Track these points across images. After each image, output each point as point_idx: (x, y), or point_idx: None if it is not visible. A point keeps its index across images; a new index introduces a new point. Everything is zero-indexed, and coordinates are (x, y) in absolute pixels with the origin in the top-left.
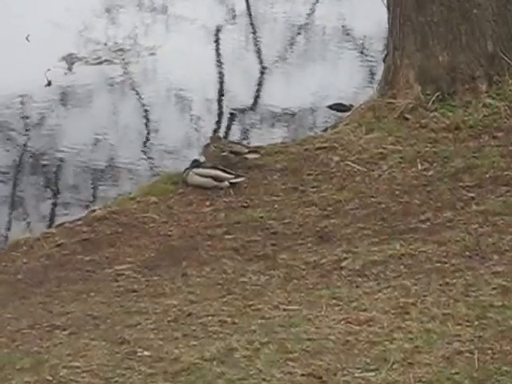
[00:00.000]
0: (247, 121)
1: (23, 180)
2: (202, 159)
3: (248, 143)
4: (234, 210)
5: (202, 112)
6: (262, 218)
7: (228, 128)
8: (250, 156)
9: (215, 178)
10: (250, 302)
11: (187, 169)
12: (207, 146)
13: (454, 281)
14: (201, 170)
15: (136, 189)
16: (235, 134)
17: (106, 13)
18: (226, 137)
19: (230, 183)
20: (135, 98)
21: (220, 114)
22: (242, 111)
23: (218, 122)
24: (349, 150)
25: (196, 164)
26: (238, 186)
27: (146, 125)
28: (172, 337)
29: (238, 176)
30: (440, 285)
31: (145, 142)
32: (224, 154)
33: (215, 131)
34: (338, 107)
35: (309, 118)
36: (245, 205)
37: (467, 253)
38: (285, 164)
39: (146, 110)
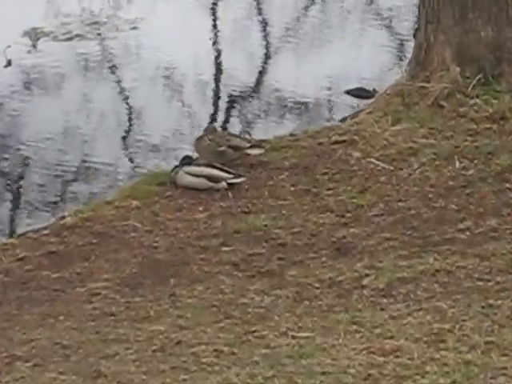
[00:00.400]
0: (249, 109)
1: None
2: (195, 155)
3: (250, 136)
4: (233, 216)
5: (195, 98)
6: (266, 226)
7: (226, 117)
8: (252, 151)
9: (210, 178)
10: (252, 328)
11: (176, 167)
12: (201, 138)
13: (499, 302)
14: (193, 169)
15: (114, 191)
16: (235, 125)
17: None
18: (223, 128)
19: (228, 184)
20: (113, 80)
21: (216, 101)
22: (244, 97)
23: (215, 110)
24: (372, 145)
25: (187, 161)
26: (238, 188)
27: (127, 113)
28: (157, 370)
29: (237, 175)
30: (482, 307)
31: (125, 135)
32: (221, 148)
33: (211, 121)
34: (359, 93)
35: (324, 105)
36: (246, 210)
37: None
38: (294, 161)
39: (126, 96)
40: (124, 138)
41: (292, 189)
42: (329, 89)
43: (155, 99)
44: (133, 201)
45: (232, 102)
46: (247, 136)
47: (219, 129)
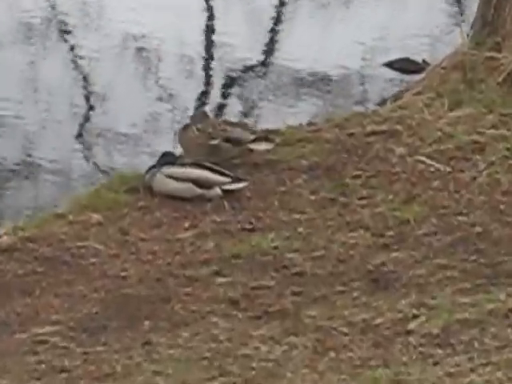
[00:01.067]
0: (253, 88)
1: None
2: (178, 151)
3: (254, 125)
4: (231, 235)
5: (179, 74)
6: (276, 248)
7: (223, 100)
8: (257, 146)
9: (199, 183)
10: None
11: (153, 167)
12: (186, 128)
13: None
14: (175, 170)
15: (67, 200)
16: (233, 110)
17: None
18: (218, 114)
19: (224, 191)
20: (66, 49)
21: (208, 78)
22: (246, 72)
23: (206, 91)
24: (421, 137)
25: (168, 160)
26: (238, 197)
27: (85, 94)
28: None
29: (236, 179)
30: None
31: (82, 123)
32: (214, 142)
33: (200, 105)
34: (404, 65)
35: (354, 83)
36: (248, 227)
37: None
38: (315, 159)
39: (83, 71)
40: (81, 127)
41: (312, 198)
42: (361, 60)
43: (123, 75)
44: (93, 214)
45: (230, 79)
46: (250, 125)
47: (212, 115)
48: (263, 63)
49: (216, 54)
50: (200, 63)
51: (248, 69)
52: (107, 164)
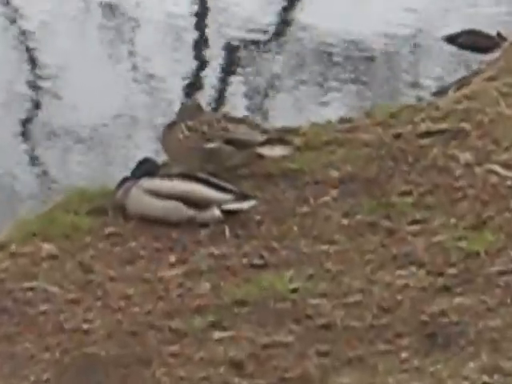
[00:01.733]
0: (264, 70)
1: None
2: (162, 158)
3: (265, 122)
4: (234, 273)
5: (162, 48)
6: (296, 291)
7: (222, 86)
8: (269, 151)
9: (190, 201)
10: None
11: (126, 180)
12: (173, 126)
13: None
14: (158, 184)
15: (9, 224)
16: (237, 101)
17: None
18: (215, 107)
19: (225, 212)
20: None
21: (201, 56)
22: (253, 47)
23: (198, 74)
24: (495, 139)
25: (147, 169)
26: (244, 220)
27: (31, 79)
28: None
29: (242, 196)
30: None
31: (27, 119)
32: (212, 145)
33: (191, 93)
34: (470, 40)
35: (403, 64)
36: (258, 262)
37: None
38: (349, 169)
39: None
40: (25, 123)
41: (344, 222)
42: (414, 33)
43: (85, 52)
44: (44, 243)
45: (231, 57)
46: (260, 122)
47: (207, 108)
48: (278, 34)
49: (212, 21)
50: (191, 33)
51: (257, 42)
52: (63, 175)
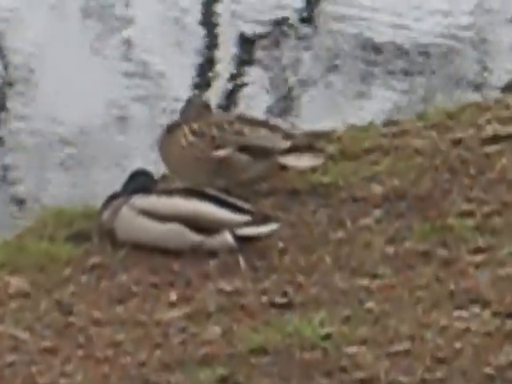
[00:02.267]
0: (288, 62)
1: None
2: (159, 169)
3: (291, 124)
4: (250, 315)
5: (162, 36)
6: (329, 338)
7: (235, 82)
8: (295, 161)
9: (196, 224)
10: None
11: (115, 197)
12: (174, 130)
13: None
14: (154, 203)
15: None
16: (255, 99)
17: None
18: (227, 106)
19: (240, 238)
20: None
21: (211, 44)
22: (274, 34)
23: (205, 66)
24: None
25: (141, 184)
26: (263, 248)
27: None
28: None
29: (261, 218)
30: None
31: None
32: (223, 152)
33: (197, 89)
34: None
35: (464, 53)
36: (280, 301)
37: None
38: (396, 184)
39: None
40: None
41: (390, 250)
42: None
43: (66, 37)
44: (11, 277)
45: (246, 46)
46: (283, 124)
47: (216, 107)
48: (304, 19)
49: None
50: (196, 17)
51: (278, 27)
52: (36, 192)
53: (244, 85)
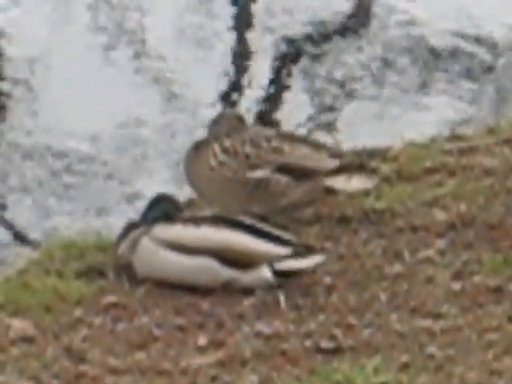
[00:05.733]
0: (335, 70)
1: None
2: (185, 193)
3: (338, 142)
4: (294, 361)
5: (183, 39)
6: None
7: (273, 91)
8: (344, 184)
9: (228, 257)
10: None
11: (132, 227)
12: (202, 148)
13: None
14: (179, 233)
15: None
16: (296, 113)
17: None
18: (263, 120)
19: (280, 273)
20: None
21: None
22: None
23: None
24: None
25: (164, 211)
26: (308, 285)
27: None
28: None
29: (304, 250)
30: None
31: None
32: (259, 174)
33: (227, 101)
34: None
35: None
36: (327, 347)
37: None
38: (462, 209)
39: None
40: None
41: (456, 286)
42: None
43: (70, 40)
44: (13, 319)
45: (287, 51)
46: (330, 141)
47: (251, 121)
48: (355, 15)
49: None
50: (226, 19)
51: (323, 30)
52: (39, 220)
53: (282, 95)
